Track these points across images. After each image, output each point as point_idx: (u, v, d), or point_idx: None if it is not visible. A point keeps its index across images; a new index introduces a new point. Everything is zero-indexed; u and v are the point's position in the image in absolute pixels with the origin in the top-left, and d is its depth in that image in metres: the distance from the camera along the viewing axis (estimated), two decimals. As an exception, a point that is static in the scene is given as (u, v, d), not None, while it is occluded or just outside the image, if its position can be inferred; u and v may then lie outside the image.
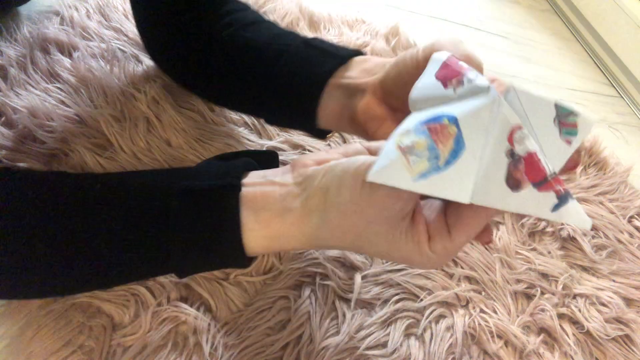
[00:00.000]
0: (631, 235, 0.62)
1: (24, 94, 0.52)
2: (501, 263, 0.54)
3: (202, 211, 0.31)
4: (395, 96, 0.37)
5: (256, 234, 0.31)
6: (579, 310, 0.52)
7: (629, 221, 0.64)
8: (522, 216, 0.60)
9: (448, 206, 0.30)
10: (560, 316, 0.52)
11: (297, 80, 0.41)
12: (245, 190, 0.31)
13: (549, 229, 0.59)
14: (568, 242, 0.59)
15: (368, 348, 0.44)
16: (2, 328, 0.39)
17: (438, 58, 0.29)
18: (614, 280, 0.56)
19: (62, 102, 0.53)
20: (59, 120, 0.51)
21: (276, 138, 0.58)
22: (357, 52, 0.42)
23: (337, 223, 0.29)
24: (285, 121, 0.47)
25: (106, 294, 0.41)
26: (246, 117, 0.59)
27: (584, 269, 0.57)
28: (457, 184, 0.25)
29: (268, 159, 0.39)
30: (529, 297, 0.53)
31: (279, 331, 0.43)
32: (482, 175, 0.25)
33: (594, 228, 0.61)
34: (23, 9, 0.63)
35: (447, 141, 0.24)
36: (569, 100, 0.90)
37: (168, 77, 0.57)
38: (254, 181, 0.32)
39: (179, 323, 0.42)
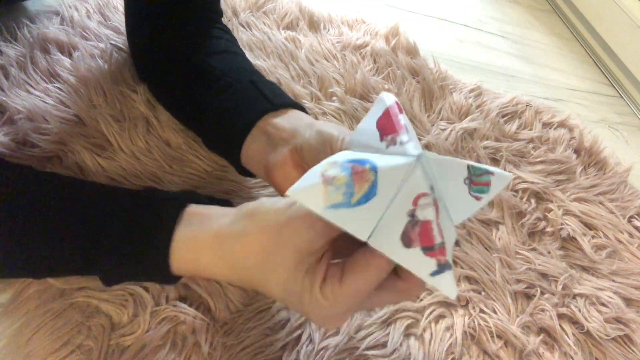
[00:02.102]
0: (631, 235, 0.62)
1: (23, 94, 0.52)
2: (501, 263, 0.54)
3: (141, 213, 0.33)
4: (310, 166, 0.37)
5: (181, 243, 0.33)
6: (579, 310, 0.52)
7: (629, 221, 0.64)
8: (521, 216, 0.60)
9: (348, 257, 0.31)
10: (560, 316, 0.52)
11: (231, 116, 0.43)
12: (187, 208, 0.34)
13: (549, 229, 0.59)
14: (568, 242, 0.59)
15: (368, 348, 0.44)
16: (1, 327, 0.39)
17: (383, 100, 0.31)
18: (613, 280, 0.56)
19: (62, 102, 0.53)
20: (55, 122, 0.51)
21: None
22: (295, 104, 0.43)
23: (253, 237, 0.31)
24: (217, 149, 0.49)
25: (105, 293, 0.41)
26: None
27: (584, 269, 0.57)
28: (361, 223, 0.28)
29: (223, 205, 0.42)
30: (529, 297, 0.53)
31: (278, 331, 0.43)
32: (383, 223, 0.28)
33: (593, 228, 0.61)
34: (29, 6, 0.63)
35: (363, 184, 0.27)
36: (570, 100, 0.90)
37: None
38: (198, 205, 0.35)
39: (177, 323, 0.42)
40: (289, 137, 0.39)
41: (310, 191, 0.28)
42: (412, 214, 0.27)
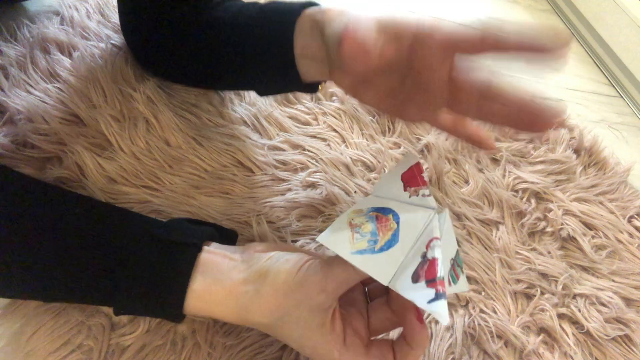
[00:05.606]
0: (631, 235, 0.62)
1: (23, 95, 0.52)
2: (501, 263, 0.54)
3: (160, 259, 0.34)
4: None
5: (196, 295, 0.34)
6: (579, 310, 0.52)
7: (629, 221, 0.64)
8: (521, 216, 0.60)
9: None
10: (560, 316, 0.52)
11: (267, 33, 0.43)
12: (202, 255, 0.35)
13: (549, 229, 0.59)
14: (568, 242, 0.59)
15: (367, 348, 0.44)
16: (1, 327, 0.39)
17: (409, 159, 0.35)
18: (613, 280, 0.56)
19: (62, 102, 0.53)
20: (55, 122, 0.51)
21: (276, 138, 0.58)
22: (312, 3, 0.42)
23: (267, 299, 0.33)
24: (268, 79, 0.47)
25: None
26: (245, 117, 0.59)
27: (584, 269, 0.57)
28: (383, 268, 0.30)
29: (229, 236, 0.43)
30: (529, 297, 0.53)
31: (278, 331, 0.43)
32: (401, 267, 0.30)
33: (593, 228, 0.61)
34: (29, 6, 0.63)
35: (387, 232, 0.31)
36: (570, 100, 0.90)
37: (150, 72, 0.58)
38: (211, 249, 0.36)
39: (177, 323, 0.42)
40: (341, 14, 0.37)
41: (339, 238, 0.31)
42: (424, 256, 0.30)
